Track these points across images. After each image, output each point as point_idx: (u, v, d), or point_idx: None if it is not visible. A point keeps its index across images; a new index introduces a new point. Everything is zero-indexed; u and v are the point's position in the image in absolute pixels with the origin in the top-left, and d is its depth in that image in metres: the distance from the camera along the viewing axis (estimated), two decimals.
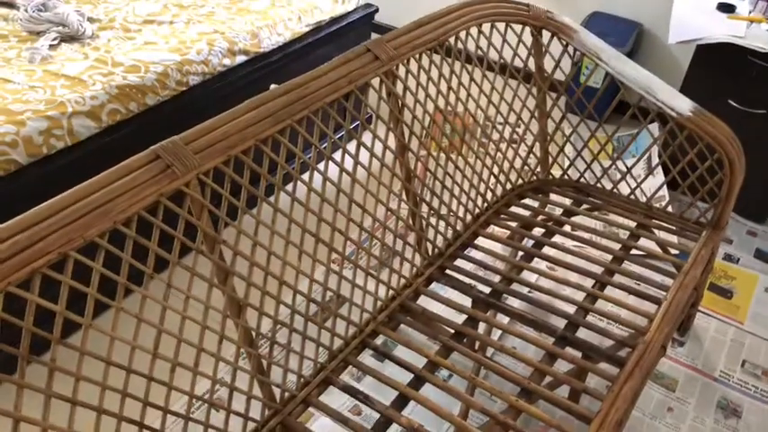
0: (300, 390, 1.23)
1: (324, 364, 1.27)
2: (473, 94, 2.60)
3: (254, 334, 1.14)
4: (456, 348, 1.31)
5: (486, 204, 1.67)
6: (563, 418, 1.53)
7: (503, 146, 2.41)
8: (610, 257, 1.56)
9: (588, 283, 1.72)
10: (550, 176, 1.80)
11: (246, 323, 1.12)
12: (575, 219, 1.68)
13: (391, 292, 1.43)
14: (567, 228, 1.69)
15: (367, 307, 1.37)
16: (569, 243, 1.86)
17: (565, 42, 1.59)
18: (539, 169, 1.80)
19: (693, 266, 1.42)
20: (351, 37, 2.38)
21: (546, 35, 1.61)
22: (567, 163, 2.31)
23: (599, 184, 1.74)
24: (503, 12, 1.54)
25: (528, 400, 1.20)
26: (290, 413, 1.20)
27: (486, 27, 2.86)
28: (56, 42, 1.85)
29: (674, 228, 1.61)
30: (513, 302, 1.79)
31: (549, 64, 1.77)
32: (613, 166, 1.92)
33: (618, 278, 1.63)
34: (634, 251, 1.56)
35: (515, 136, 1.67)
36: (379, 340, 1.43)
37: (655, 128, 2.42)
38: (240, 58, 1.99)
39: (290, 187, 2.36)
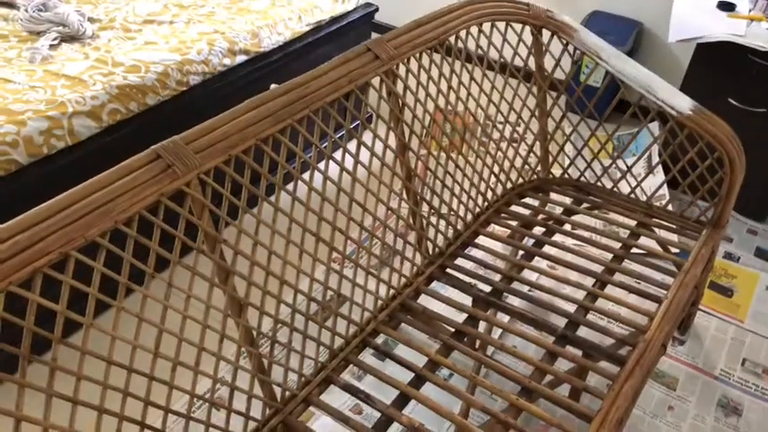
0: (301, 389, 1.23)
1: (324, 364, 1.28)
2: (473, 93, 2.59)
3: (254, 333, 1.14)
4: (456, 347, 1.31)
5: (486, 203, 1.67)
6: (564, 416, 1.53)
7: (503, 145, 2.41)
8: (610, 256, 1.56)
9: (589, 281, 1.72)
10: (551, 175, 1.80)
11: (247, 322, 1.12)
12: (575, 217, 1.68)
13: (392, 291, 1.43)
14: (568, 226, 1.69)
15: (367, 306, 1.37)
16: (570, 242, 1.86)
17: (565, 41, 1.59)
18: (539, 168, 1.80)
19: (694, 265, 1.42)
20: (351, 36, 2.38)
21: (546, 34, 1.61)
22: (567, 162, 2.31)
23: (599, 183, 1.74)
24: (503, 11, 1.54)
25: (528, 399, 1.21)
26: (291, 412, 1.20)
27: (486, 26, 2.86)
28: (56, 42, 1.85)
29: (675, 226, 1.61)
30: (514, 301, 1.79)
31: (549, 63, 1.77)
32: (614, 165, 1.92)
33: (618, 277, 1.63)
34: (634, 250, 1.56)
35: (516, 135, 1.67)
36: (379, 339, 1.43)
37: (655, 126, 2.42)
38: (240, 58, 1.99)
39: (290, 187, 2.36)
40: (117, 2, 2.14)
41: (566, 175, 1.78)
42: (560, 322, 1.40)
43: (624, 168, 1.64)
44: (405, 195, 1.45)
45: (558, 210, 1.78)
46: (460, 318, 1.42)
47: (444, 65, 3.14)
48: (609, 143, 1.66)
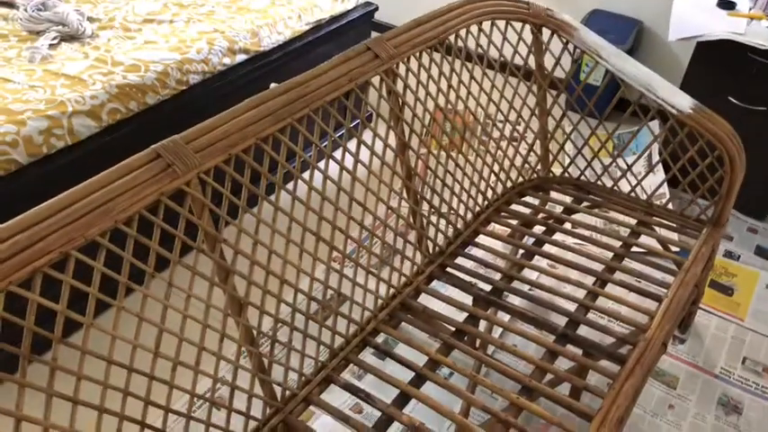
0: (301, 388, 1.23)
1: (325, 363, 1.28)
2: (473, 92, 2.59)
3: (255, 332, 1.14)
4: (457, 346, 1.31)
5: (486, 202, 1.67)
6: (564, 415, 1.53)
7: (503, 144, 2.41)
8: (610, 255, 1.56)
9: (589, 280, 1.72)
10: (551, 174, 1.80)
11: (247, 322, 1.12)
12: (575, 216, 1.68)
13: (392, 290, 1.43)
14: (568, 225, 1.69)
15: (368, 305, 1.37)
16: (570, 241, 1.86)
17: (565, 40, 1.59)
18: (539, 167, 1.80)
19: (694, 264, 1.42)
20: (351, 35, 2.38)
21: (546, 33, 1.61)
22: (567, 161, 2.31)
23: (599, 182, 1.74)
24: (503, 9, 1.54)
25: (529, 398, 1.21)
26: (292, 411, 1.20)
27: (486, 25, 2.86)
28: (56, 42, 1.85)
29: (675, 225, 1.60)
30: (514, 300, 1.79)
31: (549, 62, 1.77)
32: (614, 164, 1.92)
33: (618, 275, 1.63)
34: (635, 248, 1.56)
35: (516, 134, 1.67)
36: (379, 338, 1.43)
37: (655, 125, 2.42)
38: (240, 57, 1.99)
39: (290, 186, 2.36)
40: (116, 1, 2.14)
41: (566, 174, 1.78)
42: (561, 321, 1.40)
43: (624, 167, 1.64)
44: (405, 194, 1.45)
45: (559, 208, 1.78)
46: (461, 317, 1.42)
47: (444, 64, 3.14)
48: (609, 142, 1.66)
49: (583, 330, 1.38)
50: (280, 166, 1.11)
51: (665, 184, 2.12)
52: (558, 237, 1.75)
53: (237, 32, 1.99)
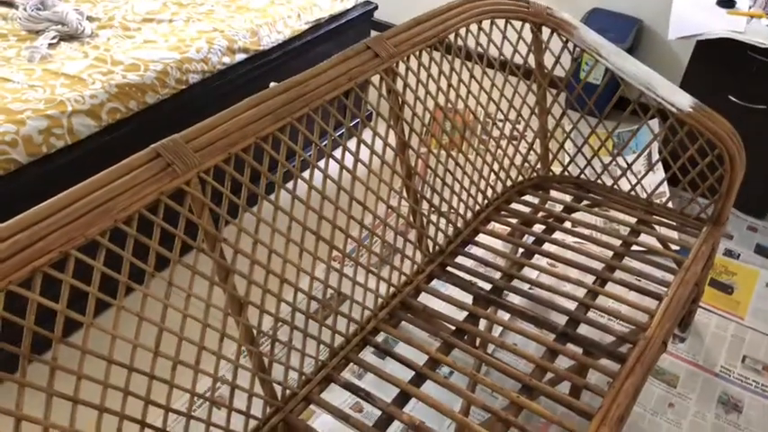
0: (302, 387, 1.23)
1: (325, 362, 1.28)
2: (473, 90, 2.59)
3: (255, 332, 1.14)
4: (457, 345, 1.31)
5: (486, 201, 1.67)
6: (564, 414, 1.53)
7: (503, 143, 2.41)
8: (610, 254, 1.56)
9: (589, 279, 1.72)
10: (551, 173, 1.80)
11: (247, 321, 1.12)
12: (575, 215, 1.67)
13: (392, 289, 1.43)
14: (568, 224, 1.69)
15: (368, 304, 1.37)
16: (570, 239, 1.86)
17: (565, 39, 1.59)
18: (539, 166, 1.80)
19: (694, 262, 1.42)
20: (350, 35, 2.38)
21: (546, 31, 1.61)
22: (567, 159, 2.30)
23: (599, 181, 1.74)
24: (502, 8, 1.54)
25: (529, 397, 1.21)
26: (292, 411, 1.20)
27: (485, 24, 2.86)
28: (55, 41, 1.85)
29: (675, 224, 1.60)
30: (514, 299, 1.79)
31: (548, 60, 1.77)
32: (614, 163, 1.92)
33: (618, 274, 1.63)
34: (635, 247, 1.56)
35: (515, 133, 1.67)
36: (380, 337, 1.43)
37: (655, 124, 2.42)
38: (240, 56, 1.99)
39: (290, 185, 2.36)
40: (116, 0, 2.14)
41: (566, 173, 1.78)
42: (561, 320, 1.40)
43: (624, 166, 1.64)
44: (405, 193, 1.45)
45: (559, 207, 1.78)
46: (461, 316, 1.42)
47: (444, 62, 3.14)
48: (609, 140, 1.66)
49: (583, 329, 1.38)
50: (279, 165, 1.11)
51: (665, 182, 2.12)
52: (558, 235, 1.75)
53: (237, 31, 1.99)
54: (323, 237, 1.19)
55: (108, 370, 0.92)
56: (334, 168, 2.23)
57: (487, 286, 1.48)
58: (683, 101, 1.45)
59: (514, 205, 1.72)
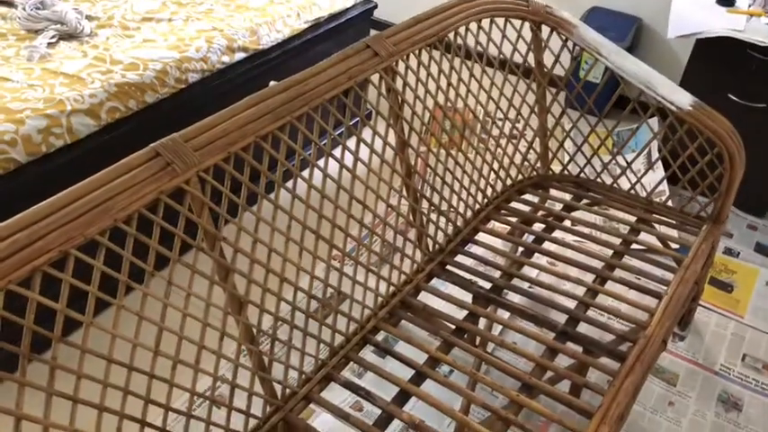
0: (302, 386, 1.23)
1: (325, 361, 1.28)
2: (473, 89, 2.59)
3: (254, 331, 1.14)
4: (457, 344, 1.31)
5: (486, 200, 1.67)
6: (564, 412, 1.53)
7: (502, 141, 2.41)
8: (610, 252, 1.56)
9: (589, 277, 1.72)
10: (550, 172, 1.80)
11: (247, 320, 1.12)
12: (575, 214, 1.68)
13: (392, 288, 1.43)
14: (568, 223, 1.69)
15: (368, 303, 1.37)
16: (569, 238, 1.86)
17: (564, 37, 1.59)
18: (538, 165, 1.80)
19: (694, 261, 1.42)
20: (350, 33, 2.38)
21: (545, 30, 1.61)
22: (566, 158, 2.30)
23: (599, 179, 1.74)
24: (502, 7, 1.54)
25: (529, 395, 1.21)
26: (292, 410, 1.20)
27: (485, 22, 2.86)
28: (54, 40, 1.85)
29: (675, 222, 1.60)
30: (514, 298, 1.79)
31: (548, 59, 1.77)
32: (613, 161, 1.91)
33: (618, 273, 1.63)
34: (634, 246, 1.56)
35: (515, 131, 1.67)
36: (379, 336, 1.43)
37: (654, 122, 2.42)
38: (239, 56, 1.99)
39: (290, 184, 2.36)
40: (115, 0, 2.14)
41: (565, 172, 1.78)
42: (560, 318, 1.40)
43: (624, 164, 1.64)
44: (404, 192, 1.44)
45: (558, 206, 1.78)
46: (461, 314, 1.42)
47: (444, 61, 3.14)
48: (608, 139, 1.66)
49: (583, 328, 1.38)
50: (279, 164, 1.11)
51: (665, 181, 2.12)
52: (557, 234, 1.75)
53: (236, 31, 1.99)
54: (323, 236, 1.19)
55: (108, 369, 0.92)
56: (333, 167, 2.23)
57: (487, 285, 1.48)
58: (682, 99, 1.45)
59: (514, 204, 1.72)
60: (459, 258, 1.79)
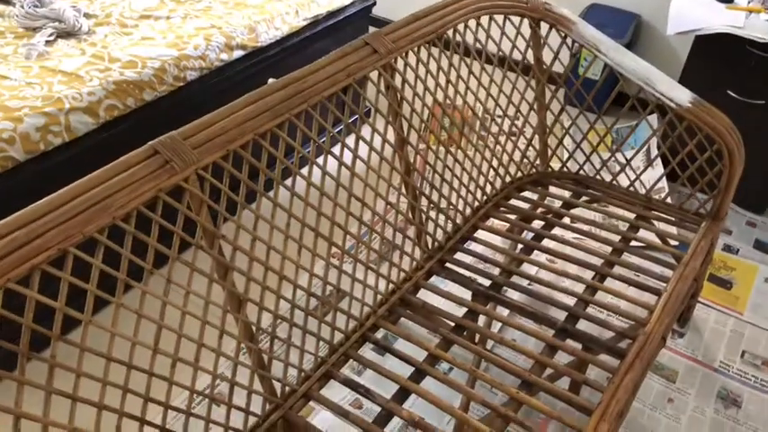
0: (301, 384, 1.23)
1: (324, 358, 1.28)
2: (472, 86, 2.59)
3: (254, 329, 1.14)
4: (456, 341, 1.31)
5: (485, 197, 1.67)
6: (564, 409, 1.53)
7: (502, 139, 2.41)
8: (609, 249, 1.56)
9: (588, 274, 1.72)
10: (549, 169, 1.80)
11: (247, 318, 1.12)
12: (574, 211, 1.68)
13: (391, 285, 1.43)
14: (567, 220, 1.69)
15: (367, 301, 1.37)
16: (569, 235, 1.86)
17: (563, 34, 1.58)
18: (538, 162, 1.79)
19: (693, 257, 1.42)
20: (348, 31, 2.38)
21: (544, 27, 1.61)
22: (566, 155, 2.30)
23: (598, 177, 1.74)
24: (501, 4, 1.54)
25: (529, 392, 1.21)
26: (291, 407, 1.20)
27: (484, 19, 2.85)
28: (52, 38, 1.84)
29: (674, 219, 1.60)
30: (513, 295, 1.79)
31: (547, 56, 1.77)
32: (612, 158, 1.91)
33: (618, 270, 1.63)
34: (634, 243, 1.57)
35: (514, 129, 1.67)
36: (379, 334, 1.43)
37: (654, 119, 2.42)
38: (238, 53, 1.99)
39: (289, 182, 2.36)
40: None
41: (564, 169, 1.78)
42: (560, 315, 1.40)
43: (623, 161, 1.64)
44: (404, 190, 1.44)
45: (557, 203, 1.78)
46: (460, 312, 1.42)
47: (442, 58, 3.14)
48: (608, 136, 1.66)
49: (582, 325, 1.39)
50: (278, 161, 1.11)
51: (664, 178, 2.12)
52: (556, 231, 1.75)
53: (235, 28, 1.99)
54: (322, 233, 1.19)
55: (107, 367, 0.92)
56: (332, 165, 2.23)
57: (486, 282, 1.48)
58: (681, 96, 1.45)
59: (513, 201, 1.72)
60: (459, 256, 1.79)
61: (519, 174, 1.78)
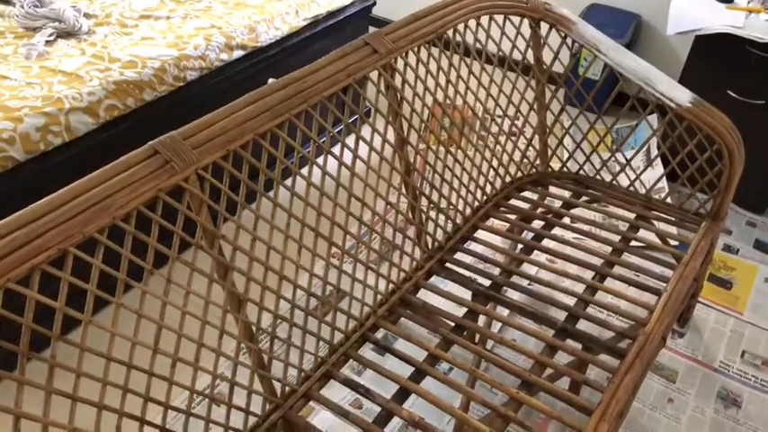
0: (301, 384, 1.23)
1: (324, 359, 1.28)
2: (472, 86, 2.59)
3: (254, 329, 1.14)
4: (456, 341, 1.31)
5: (485, 197, 1.67)
6: (564, 409, 1.53)
7: (502, 139, 2.41)
8: (609, 249, 1.56)
9: (588, 275, 1.72)
10: (549, 169, 1.80)
11: (247, 318, 1.12)
12: (574, 211, 1.68)
13: (391, 285, 1.43)
14: (567, 220, 1.69)
15: (367, 301, 1.37)
16: (569, 235, 1.86)
17: (563, 34, 1.58)
18: (538, 162, 1.79)
19: (693, 257, 1.42)
20: (348, 31, 2.38)
21: (544, 27, 1.61)
22: (566, 155, 2.30)
23: (598, 177, 1.74)
24: (501, 4, 1.54)
25: (529, 392, 1.21)
26: (291, 407, 1.20)
27: (484, 19, 2.85)
28: (52, 38, 1.84)
29: (674, 219, 1.60)
30: (513, 295, 1.79)
31: (547, 56, 1.77)
32: (612, 158, 1.91)
33: (618, 270, 1.63)
34: (634, 243, 1.57)
35: (514, 129, 1.67)
36: (379, 334, 1.43)
37: (654, 119, 2.42)
38: (238, 53, 1.99)
39: (289, 182, 2.36)
40: None
41: (564, 169, 1.78)
42: (560, 315, 1.40)
43: (623, 161, 1.64)
44: (404, 190, 1.44)
45: (557, 203, 1.78)
46: (460, 312, 1.42)
47: (442, 58, 3.13)
48: (608, 136, 1.66)
49: (582, 325, 1.39)
50: (278, 161, 1.11)
51: (664, 178, 2.12)
52: (556, 231, 1.75)
53: (235, 28, 1.99)
54: (322, 233, 1.19)
55: (107, 367, 0.92)
56: (332, 165, 2.23)
57: (486, 282, 1.48)
58: (681, 96, 1.45)
59: (513, 201, 1.72)
60: (459, 256, 1.79)
61: (519, 174, 1.78)
